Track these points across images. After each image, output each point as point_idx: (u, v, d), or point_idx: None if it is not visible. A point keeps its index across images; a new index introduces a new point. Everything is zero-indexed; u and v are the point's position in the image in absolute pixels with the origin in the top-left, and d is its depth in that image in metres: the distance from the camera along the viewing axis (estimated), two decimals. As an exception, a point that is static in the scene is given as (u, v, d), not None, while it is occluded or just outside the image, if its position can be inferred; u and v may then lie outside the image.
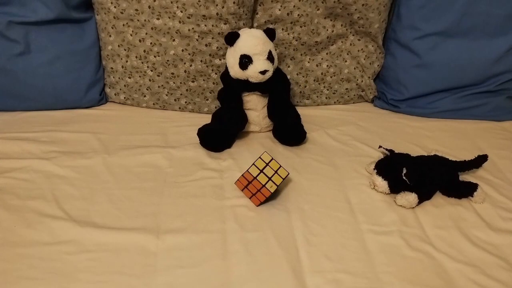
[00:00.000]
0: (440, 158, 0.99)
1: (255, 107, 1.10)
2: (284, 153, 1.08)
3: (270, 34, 1.05)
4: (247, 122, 1.09)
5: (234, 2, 1.06)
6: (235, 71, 1.05)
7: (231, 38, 1.03)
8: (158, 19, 1.09)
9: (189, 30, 1.09)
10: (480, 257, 0.80)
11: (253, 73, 1.02)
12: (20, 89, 1.13)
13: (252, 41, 1.01)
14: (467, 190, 0.94)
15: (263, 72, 1.01)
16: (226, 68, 1.09)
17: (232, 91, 1.09)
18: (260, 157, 0.92)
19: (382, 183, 0.93)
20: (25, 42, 1.08)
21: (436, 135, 1.18)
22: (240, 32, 1.03)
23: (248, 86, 1.07)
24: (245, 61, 1.01)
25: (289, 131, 1.10)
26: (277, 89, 1.09)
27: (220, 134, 1.07)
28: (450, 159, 1.00)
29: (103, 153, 1.03)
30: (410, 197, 0.90)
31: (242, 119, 1.08)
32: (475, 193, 0.93)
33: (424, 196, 0.92)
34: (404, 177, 0.90)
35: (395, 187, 0.93)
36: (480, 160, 1.02)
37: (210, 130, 1.08)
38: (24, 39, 1.08)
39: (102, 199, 0.90)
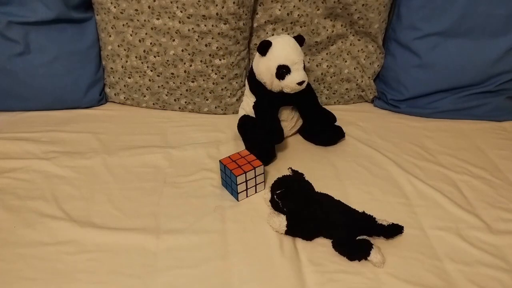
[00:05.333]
0: (352, 211, 0.85)
1: (286, 118, 1.09)
2: (284, 153, 1.08)
3: (299, 41, 1.01)
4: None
5: (234, 2, 1.06)
6: (270, 82, 1.00)
7: (264, 47, 0.98)
8: (158, 19, 1.09)
9: (189, 30, 1.09)
10: (480, 257, 0.80)
11: (290, 83, 0.98)
12: (20, 89, 1.13)
13: (288, 50, 0.97)
14: (361, 252, 0.78)
15: (301, 83, 0.98)
16: (254, 79, 1.05)
17: (271, 101, 1.04)
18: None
19: (266, 196, 0.88)
20: (25, 42, 1.08)
21: (436, 135, 1.18)
22: (272, 40, 0.99)
23: (282, 99, 1.04)
24: (282, 71, 0.97)
25: (331, 131, 1.11)
26: (307, 99, 1.08)
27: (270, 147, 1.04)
28: (367, 215, 0.84)
29: (103, 153, 1.03)
30: (276, 220, 0.83)
31: (281, 130, 1.04)
32: (370, 252, 0.77)
33: (296, 229, 0.82)
34: (275, 198, 0.84)
35: (274, 205, 0.86)
36: (396, 231, 0.83)
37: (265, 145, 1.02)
38: (24, 39, 1.08)
39: (102, 199, 0.90)
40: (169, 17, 1.08)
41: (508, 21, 1.12)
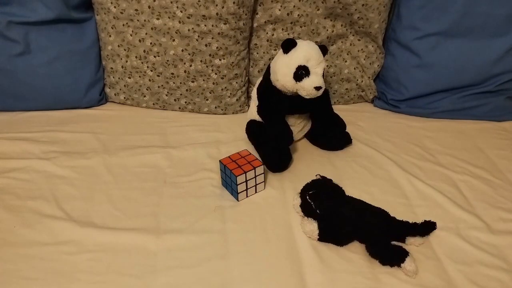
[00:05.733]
0: (384, 214, 0.84)
1: (293, 123, 1.06)
2: (284, 153, 1.08)
3: (323, 50, 0.99)
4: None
5: (234, 2, 1.06)
6: (285, 81, 0.96)
7: (288, 45, 0.95)
8: (158, 19, 1.09)
9: (189, 30, 1.09)
10: (480, 257, 0.80)
11: (307, 87, 0.93)
12: (20, 89, 1.13)
13: (311, 53, 0.94)
14: (396, 257, 0.77)
15: (318, 88, 0.93)
16: (266, 81, 1.02)
17: (280, 104, 1.00)
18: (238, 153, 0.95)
19: (296, 201, 0.86)
20: (25, 42, 1.08)
21: (436, 135, 1.18)
22: (298, 41, 0.96)
23: (292, 107, 1.01)
24: (301, 72, 0.93)
25: (338, 136, 1.10)
26: (321, 106, 1.05)
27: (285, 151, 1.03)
28: (397, 219, 0.84)
29: (103, 153, 1.03)
30: (308, 226, 0.81)
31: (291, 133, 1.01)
32: (406, 260, 0.76)
33: (328, 234, 0.81)
34: (308, 198, 0.83)
35: (306, 209, 0.85)
36: (430, 227, 0.84)
37: (280, 152, 1.00)
38: (24, 39, 1.08)
39: (102, 199, 0.90)
40: (169, 17, 1.08)
41: (508, 21, 1.12)
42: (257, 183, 0.93)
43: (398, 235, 0.82)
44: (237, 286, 0.73)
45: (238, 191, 0.90)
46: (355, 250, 0.81)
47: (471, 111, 1.24)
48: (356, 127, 1.20)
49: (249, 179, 0.91)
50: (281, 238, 0.83)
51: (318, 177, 0.91)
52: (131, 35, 1.13)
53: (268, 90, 1.02)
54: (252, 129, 1.08)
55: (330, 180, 0.90)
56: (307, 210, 0.85)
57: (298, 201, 0.86)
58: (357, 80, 1.29)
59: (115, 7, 1.10)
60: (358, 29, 1.22)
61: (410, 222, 0.84)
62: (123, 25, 1.12)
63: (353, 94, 1.32)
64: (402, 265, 0.76)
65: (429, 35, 1.17)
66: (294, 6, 1.13)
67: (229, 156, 0.93)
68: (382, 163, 1.05)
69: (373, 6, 1.15)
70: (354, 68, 1.28)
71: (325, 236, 0.81)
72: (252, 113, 1.09)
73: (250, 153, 0.94)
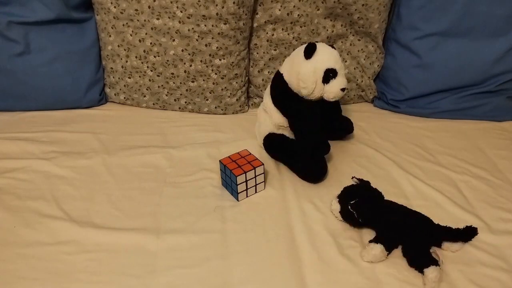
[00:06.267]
0: (422, 217, 0.84)
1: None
2: (284, 153, 1.08)
3: None
4: None
5: (234, 2, 1.06)
6: (312, 88, 0.95)
7: (311, 50, 0.93)
8: (158, 19, 1.09)
9: (189, 30, 1.09)
10: (480, 257, 0.80)
11: (335, 89, 0.94)
12: (20, 89, 1.13)
13: (334, 54, 0.95)
14: (422, 262, 0.76)
15: (344, 89, 0.95)
16: (290, 94, 0.99)
17: (312, 111, 0.99)
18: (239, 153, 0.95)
19: (335, 206, 0.86)
20: (25, 42, 1.08)
21: (436, 135, 1.18)
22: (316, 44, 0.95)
23: (319, 108, 1.00)
24: (329, 75, 0.94)
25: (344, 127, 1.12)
26: (334, 107, 1.07)
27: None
28: (435, 222, 0.84)
29: (103, 153, 1.03)
30: (374, 252, 0.78)
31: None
32: (430, 266, 0.74)
33: (389, 243, 0.80)
34: (350, 208, 0.82)
35: (346, 217, 0.85)
36: (470, 233, 0.83)
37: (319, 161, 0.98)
38: (24, 39, 1.08)
39: (102, 199, 0.90)
40: (169, 17, 1.08)
41: (508, 21, 1.12)
42: (257, 183, 0.93)
43: (435, 239, 0.81)
44: (237, 286, 0.73)
45: (238, 191, 0.90)
46: (355, 250, 0.81)
47: (471, 111, 1.24)
48: (356, 127, 1.20)
49: (249, 179, 0.91)
50: (281, 238, 0.83)
51: (355, 180, 0.91)
52: (131, 35, 1.13)
53: (298, 102, 0.99)
54: (272, 144, 1.04)
55: (368, 182, 0.90)
56: (348, 217, 0.84)
57: (337, 206, 0.86)
58: (357, 80, 1.29)
59: (115, 7, 1.10)
60: (358, 29, 1.22)
61: (452, 227, 0.82)
62: (123, 25, 1.12)
63: (353, 94, 1.32)
64: (424, 270, 0.74)
65: (429, 35, 1.17)
66: (294, 6, 1.13)
67: (229, 156, 0.93)
68: (382, 163, 1.05)
69: (373, 6, 1.15)
70: (354, 68, 1.28)
71: (391, 250, 0.80)
72: (268, 125, 1.06)
73: (250, 153, 0.94)
